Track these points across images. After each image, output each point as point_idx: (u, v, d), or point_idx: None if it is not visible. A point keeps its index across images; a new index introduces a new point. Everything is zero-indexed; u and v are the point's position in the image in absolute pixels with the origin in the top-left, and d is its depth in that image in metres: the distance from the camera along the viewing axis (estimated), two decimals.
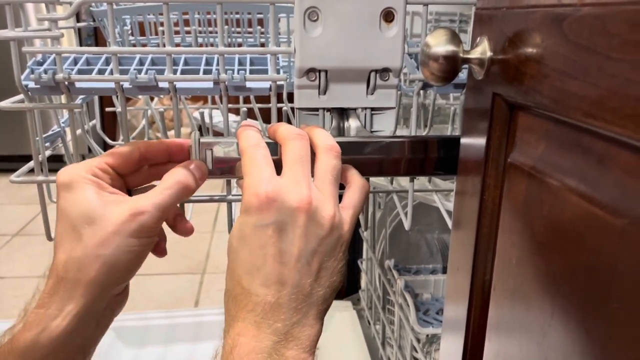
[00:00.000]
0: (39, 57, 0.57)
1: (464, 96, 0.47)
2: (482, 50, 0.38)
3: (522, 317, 0.35)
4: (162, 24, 0.82)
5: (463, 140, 0.44)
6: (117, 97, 0.77)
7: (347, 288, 1.40)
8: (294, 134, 0.44)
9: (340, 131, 0.52)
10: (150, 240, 0.46)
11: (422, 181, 0.71)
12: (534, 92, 0.32)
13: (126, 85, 0.52)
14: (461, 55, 0.39)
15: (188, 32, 0.86)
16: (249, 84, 0.53)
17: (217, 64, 0.56)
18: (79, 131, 0.62)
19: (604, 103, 0.25)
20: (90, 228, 0.43)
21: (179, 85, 0.53)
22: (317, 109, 0.52)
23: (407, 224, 0.61)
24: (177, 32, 0.86)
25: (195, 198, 0.61)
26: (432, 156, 0.50)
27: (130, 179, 0.49)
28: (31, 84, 0.52)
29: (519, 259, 0.35)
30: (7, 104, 0.54)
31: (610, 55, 0.24)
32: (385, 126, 0.53)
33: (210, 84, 0.53)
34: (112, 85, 0.53)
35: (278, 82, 0.54)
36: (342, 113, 0.52)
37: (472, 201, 0.41)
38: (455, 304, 0.45)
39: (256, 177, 0.41)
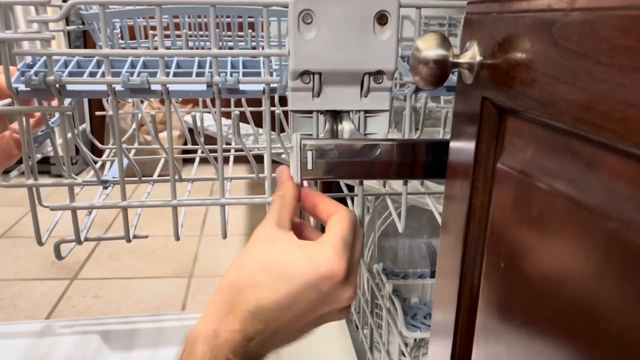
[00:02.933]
0: (29, 59, 0.57)
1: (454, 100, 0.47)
2: (472, 54, 0.38)
3: (510, 321, 0.35)
4: (152, 28, 0.82)
5: (452, 144, 0.44)
6: (107, 100, 0.76)
7: None
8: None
9: (333, 134, 0.52)
10: None
11: (414, 184, 0.71)
12: (523, 96, 0.32)
13: (118, 87, 0.52)
14: (451, 59, 0.39)
15: (178, 36, 0.86)
16: (242, 87, 0.53)
17: (210, 67, 0.55)
18: (68, 134, 0.61)
19: (593, 107, 0.25)
20: None
21: (171, 87, 0.53)
22: (310, 112, 0.52)
23: (400, 227, 0.61)
24: (167, 36, 0.85)
25: (188, 202, 0.60)
26: (422, 160, 0.50)
27: None
28: (21, 87, 0.51)
29: (507, 263, 0.35)
30: None
31: (599, 59, 0.25)
32: (378, 129, 0.53)
33: (204, 87, 0.53)
34: (104, 87, 0.52)
35: (271, 85, 0.53)
36: (336, 116, 0.52)
37: (461, 205, 0.41)
38: (444, 308, 0.45)
39: (355, 257, 0.47)
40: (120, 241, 0.61)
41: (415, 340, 0.92)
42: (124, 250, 1.95)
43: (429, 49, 0.39)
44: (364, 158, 0.49)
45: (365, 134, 0.53)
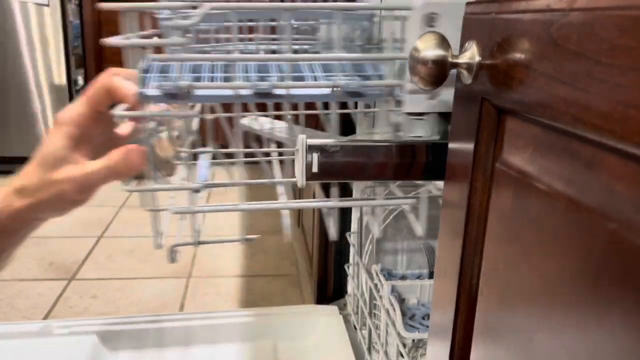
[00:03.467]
0: (144, 64, 0.57)
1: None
2: (471, 55, 0.38)
3: (509, 322, 0.35)
4: (250, 30, 0.82)
5: (451, 145, 0.44)
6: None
7: (334, 293, 1.40)
8: None
9: (446, 135, 0.52)
10: None
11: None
12: (522, 96, 0.32)
13: (244, 92, 0.52)
14: (450, 59, 0.39)
15: (250, 39, 0.85)
16: (362, 90, 0.54)
17: (317, 71, 0.56)
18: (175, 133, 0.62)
19: (593, 108, 0.25)
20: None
21: (293, 92, 0.54)
22: (423, 114, 0.52)
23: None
24: (228, 40, 0.84)
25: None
26: (421, 161, 0.50)
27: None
28: (151, 92, 0.51)
29: (506, 263, 0.35)
30: (121, 112, 0.53)
31: (599, 59, 0.24)
32: None
33: (327, 91, 0.53)
34: (229, 92, 0.53)
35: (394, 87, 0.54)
36: (449, 117, 0.52)
37: (460, 206, 0.41)
38: (442, 308, 0.45)
39: None
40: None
41: (413, 341, 0.92)
42: (121, 251, 1.95)
43: (428, 49, 0.39)
44: (371, 159, 0.49)
45: None
